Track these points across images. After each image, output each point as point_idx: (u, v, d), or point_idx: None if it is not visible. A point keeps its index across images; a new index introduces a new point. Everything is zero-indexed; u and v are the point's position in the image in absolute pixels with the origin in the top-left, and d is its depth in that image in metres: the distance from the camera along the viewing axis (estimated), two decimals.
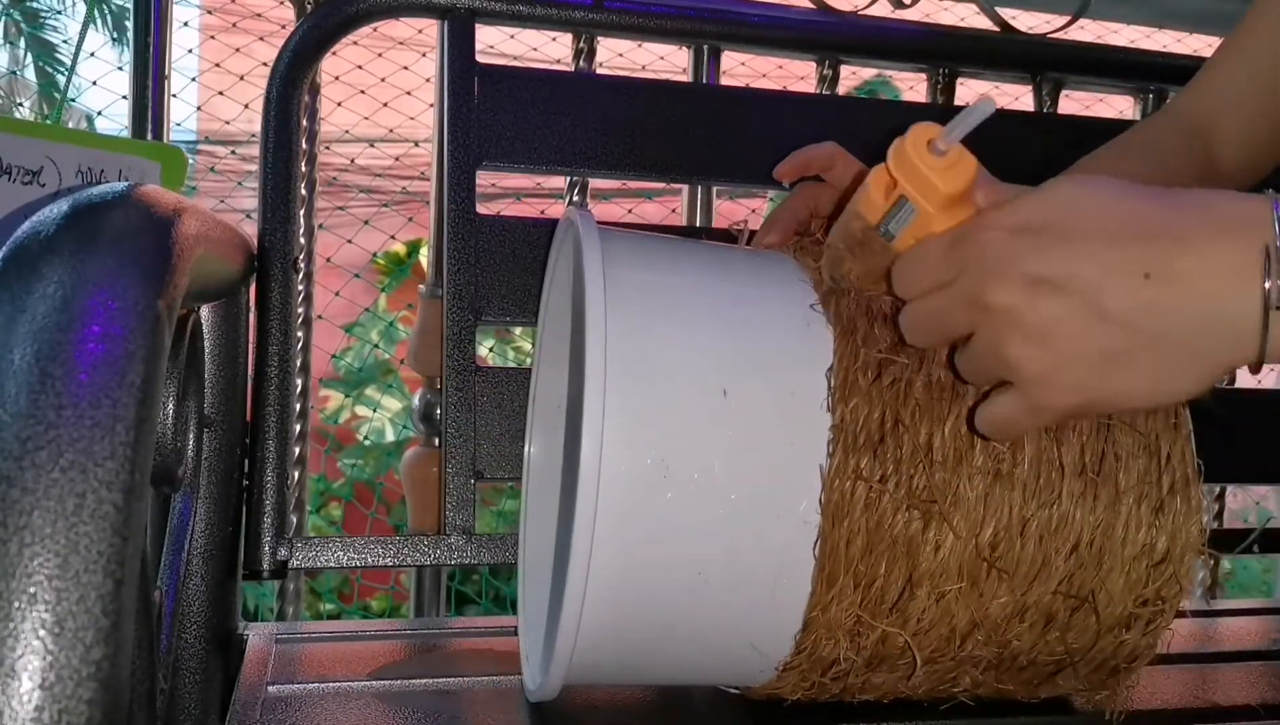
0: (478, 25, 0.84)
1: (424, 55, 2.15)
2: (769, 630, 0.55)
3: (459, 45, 0.83)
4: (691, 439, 0.53)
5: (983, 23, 1.00)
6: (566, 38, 0.93)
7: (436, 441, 0.93)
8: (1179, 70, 1.01)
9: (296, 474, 0.88)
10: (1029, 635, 0.57)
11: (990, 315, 0.47)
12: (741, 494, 0.53)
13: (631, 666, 0.58)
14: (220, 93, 2.45)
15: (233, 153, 2.76)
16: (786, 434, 0.54)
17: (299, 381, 0.88)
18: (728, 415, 0.53)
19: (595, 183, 0.96)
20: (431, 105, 0.91)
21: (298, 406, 0.88)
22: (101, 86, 2.23)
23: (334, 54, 0.86)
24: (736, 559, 0.54)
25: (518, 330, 3.36)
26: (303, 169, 0.87)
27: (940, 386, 0.55)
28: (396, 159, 2.96)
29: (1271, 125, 0.75)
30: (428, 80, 1.53)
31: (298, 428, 0.89)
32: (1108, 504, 0.56)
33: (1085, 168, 0.76)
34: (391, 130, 2.67)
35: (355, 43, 1.25)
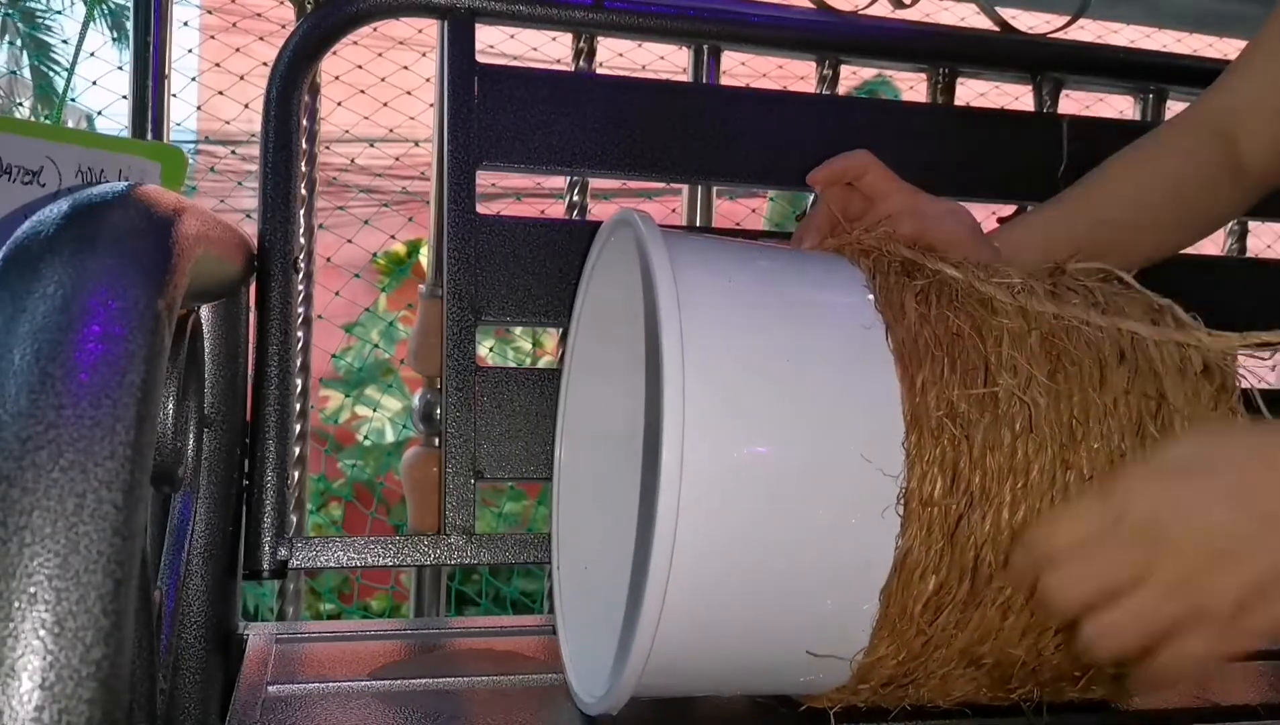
0: (478, 25, 0.84)
1: (424, 55, 2.14)
2: (846, 623, 0.55)
3: (459, 45, 0.83)
4: (768, 425, 0.53)
5: (983, 23, 1.00)
6: (566, 38, 0.93)
7: (436, 441, 0.93)
8: (1179, 70, 1.01)
9: (296, 474, 0.88)
10: None
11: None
12: (823, 482, 0.53)
13: (703, 675, 0.57)
14: (220, 93, 2.45)
15: (233, 153, 2.76)
16: (863, 421, 0.54)
17: (299, 381, 0.88)
18: (803, 404, 0.54)
19: (595, 183, 0.96)
20: (431, 105, 0.90)
21: (298, 406, 0.87)
22: (101, 86, 2.23)
23: (334, 54, 0.86)
24: (821, 551, 0.53)
25: (518, 330, 3.36)
26: (303, 169, 0.87)
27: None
28: (396, 159, 2.96)
29: None
30: (428, 80, 1.53)
31: (298, 428, 0.88)
32: None
33: (1110, 174, 0.76)
34: (391, 130, 2.67)
35: (355, 43, 1.25)
